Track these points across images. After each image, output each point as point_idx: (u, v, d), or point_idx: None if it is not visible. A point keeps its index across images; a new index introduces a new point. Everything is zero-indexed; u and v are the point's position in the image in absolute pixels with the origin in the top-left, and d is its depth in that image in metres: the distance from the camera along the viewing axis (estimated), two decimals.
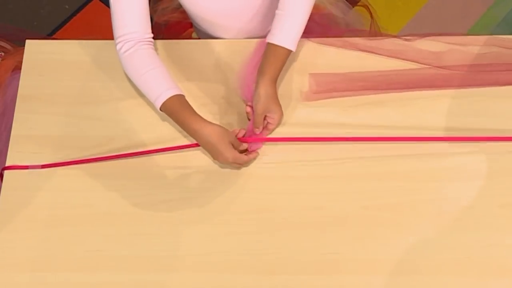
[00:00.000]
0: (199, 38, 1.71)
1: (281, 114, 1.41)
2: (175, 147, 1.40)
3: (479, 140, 1.38)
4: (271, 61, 1.39)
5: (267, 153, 1.40)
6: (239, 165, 1.37)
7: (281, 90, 1.44)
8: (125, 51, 1.38)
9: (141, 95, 1.44)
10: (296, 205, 1.35)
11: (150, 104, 1.44)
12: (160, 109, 1.36)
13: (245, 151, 1.38)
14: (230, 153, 1.33)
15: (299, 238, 1.32)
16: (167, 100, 1.34)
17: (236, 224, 1.34)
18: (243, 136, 1.40)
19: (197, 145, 1.38)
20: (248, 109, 1.40)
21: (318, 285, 1.28)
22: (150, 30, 1.41)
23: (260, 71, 1.39)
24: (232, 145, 1.34)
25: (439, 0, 2.41)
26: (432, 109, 1.43)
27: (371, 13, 1.76)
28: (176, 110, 1.35)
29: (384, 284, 1.28)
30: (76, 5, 2.44)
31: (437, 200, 1.34)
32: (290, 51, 1.40)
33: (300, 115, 1.43)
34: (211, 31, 1.57)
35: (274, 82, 1.40)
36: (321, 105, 1.44)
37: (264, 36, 1.43)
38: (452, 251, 1.30)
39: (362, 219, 1.33)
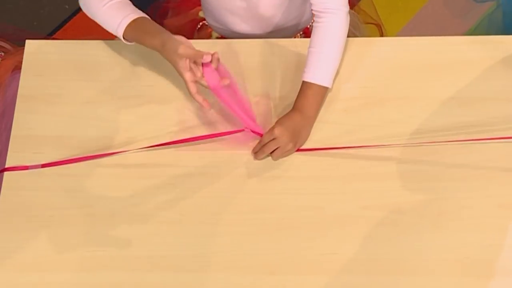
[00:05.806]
0: (204, 18, 1.67)
1: (271, 134, 1.35)
2: (170, 142, 1.39)
3: (478, 140, 1.38)
4: (310, 100, 1.38)
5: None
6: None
7: (279, 90, 1.45)
8: None
9: (142, 95, 1.44)
10: (295, 205, 1.35)
11: (150, 103, 1.44)
12: (124, 38, 1.34)
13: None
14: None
15: (298, 238, 1.32)
16: (129, 24, 1.33)
17: (236, 224, 1.34)
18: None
19: (194, 139, 1.37)
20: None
21: (317, 285, 1.28)
22: None
23: (297, 108, 1.38)
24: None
25: (439, 0, 2.42)
26: (433, 109, 1.43)
27: (381, 32, 1.74)
28: (139, 31, 1.33)
29: (384, 284, 1.28)
30: (76, 5, 2.41)
31: (436, 200, 1.34)
32: (327, 88, 1.40)
33: None
34: (226, 22, 1.54)
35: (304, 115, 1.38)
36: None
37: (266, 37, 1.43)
38: (452, 251, 1.30)
39: (361, 219, 1.33)
